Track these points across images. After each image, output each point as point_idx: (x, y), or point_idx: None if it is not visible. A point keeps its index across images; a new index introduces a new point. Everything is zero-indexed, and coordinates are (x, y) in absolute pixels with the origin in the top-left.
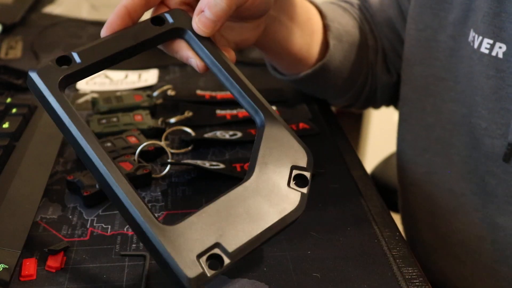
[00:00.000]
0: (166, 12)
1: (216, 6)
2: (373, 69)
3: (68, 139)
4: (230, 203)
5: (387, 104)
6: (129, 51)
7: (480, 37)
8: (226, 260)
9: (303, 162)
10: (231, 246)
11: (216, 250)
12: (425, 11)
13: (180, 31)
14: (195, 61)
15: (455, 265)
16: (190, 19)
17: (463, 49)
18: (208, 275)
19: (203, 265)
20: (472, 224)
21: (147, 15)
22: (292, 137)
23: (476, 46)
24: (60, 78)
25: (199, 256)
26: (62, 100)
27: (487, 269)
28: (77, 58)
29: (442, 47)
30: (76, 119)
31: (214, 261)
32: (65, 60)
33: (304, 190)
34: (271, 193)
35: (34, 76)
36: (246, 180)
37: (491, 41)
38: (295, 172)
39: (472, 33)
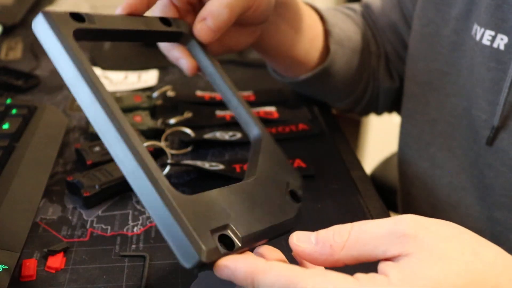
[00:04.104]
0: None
1: (218, 17)
2: (375, 75)
3: (74, 89)
4: (244, 190)
5: (389, 110)
6: (138, 34)
7: (482, 29)
8: (237, 244)
9: (296, 181)
10: (243, 231)
11: (228, 232)
12: (428, 6)
13: (183, 36)
14: (185, 62)
15: None
16: (191, 28)
17: (466, 43)
18: (221, 252)
19: (216, 242)
20: (472, 218)
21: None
22: (284, 157)
23: (478, 38)
24: (75, 28)
25: (212, 232)
26: (77, 49)
27: None
28: (91, 19)
29: (445, 41)
30: (89, 69)
31: (226, 242)
32: (79, 17)
33: (298, 205)
34: (273, 196)
35: (47, 17)
36: (251, 177)
37: (492, 33)
38: (290, 187)
39: (475, 26)
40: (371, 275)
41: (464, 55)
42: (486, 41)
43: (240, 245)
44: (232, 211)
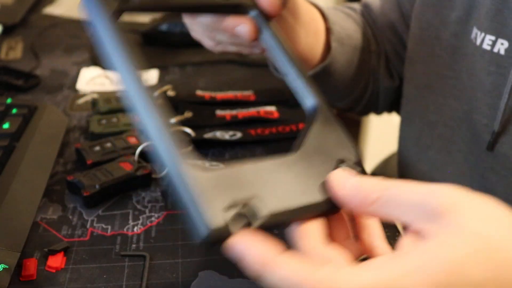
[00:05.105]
0: None
1: None
2: (375, 74)
3: (113, 66)
4: (272, 167)
5: (389, 110)
6: (190, 7)
7: (483, 34)
8: (255, 223)
9: (352, 157)
10: (264, 209)
11: (245, 210)
12: (427, 9)
13: (244, 9)
14: (244, 26)
15: None
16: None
17: (466, 47)
18: (231, 231)
19: (228, 220)
20: None
21: None
22: (341, 131)
23: (478, 42)
24: (117, 7)
25: (227, 209)
26: (114, 27)
27: None
28: None
29: (444, 45)
30: (124, 47)
31: (241, 220)
32: None
33: None
34: (318, 173)
35: None
36: (292, 154)
37: (493, 38)
38: (342, 165)
39: (475, 30)
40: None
41: (464, 58)
42: (486, 46)
43: (259, 222)
44: (262, 186)
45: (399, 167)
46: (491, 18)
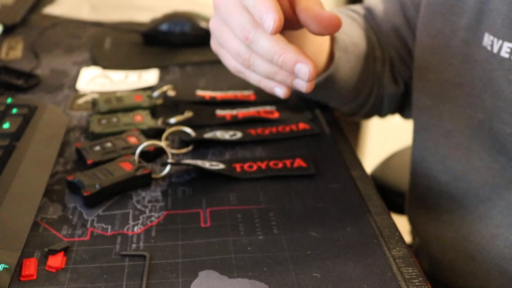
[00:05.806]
0: None
1: None
2: (380, 80)
3: None
4: None
5: (393, 113)
6: None
7: (500, 41)
8: None
9: None
10: None
11: None
12: (436, 17)
13: None
14: (309, 67)
15: (468, 263)
16: None
17: (477, 54)
18: None
19: None
20: (494, 225)
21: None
22: None
23: (496, 50)
24: None
25: None
26: None
27: (496, 267)
28: None
29: (455, 52)
30: None
31: None
32: None
33: None
34: None
35: None
36: None
37: (511, 45)
38: None
39: (488, 37)
40: None
41: (476, 65)
42: (504, 54)
43: None
44: None
45: (413, 177)
46: (509, 25)
